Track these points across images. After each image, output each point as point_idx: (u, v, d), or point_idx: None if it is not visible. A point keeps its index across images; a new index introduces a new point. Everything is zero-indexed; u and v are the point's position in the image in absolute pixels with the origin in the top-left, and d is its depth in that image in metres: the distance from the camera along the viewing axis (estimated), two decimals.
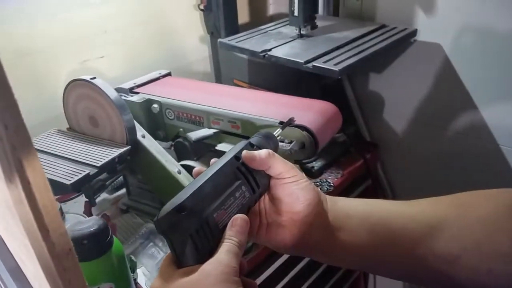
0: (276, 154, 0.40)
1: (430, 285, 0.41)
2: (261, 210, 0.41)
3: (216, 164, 0.38)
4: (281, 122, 0.64)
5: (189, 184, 0.36)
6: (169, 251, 0.35)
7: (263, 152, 0.39)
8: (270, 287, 0.81)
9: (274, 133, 0.44)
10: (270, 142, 0.42)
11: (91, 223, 0.46)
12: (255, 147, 0.40)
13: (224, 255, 0.33)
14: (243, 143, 0.40)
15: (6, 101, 0.22)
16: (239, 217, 0.36)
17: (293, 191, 0.39)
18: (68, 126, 0.75)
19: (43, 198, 0.24)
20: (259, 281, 0.77)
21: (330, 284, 0.98)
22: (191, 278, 0.31)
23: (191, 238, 0.33)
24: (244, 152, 0.39)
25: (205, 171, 0.37)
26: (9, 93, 0.22)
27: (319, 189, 0.41)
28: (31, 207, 0.23)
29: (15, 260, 0.35)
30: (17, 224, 0.24)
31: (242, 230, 0.35)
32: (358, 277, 1.09)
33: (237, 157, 0.38)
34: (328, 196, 0.42)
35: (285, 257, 0.80)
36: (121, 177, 0.80)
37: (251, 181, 0.38)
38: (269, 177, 0.40)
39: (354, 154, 0.94)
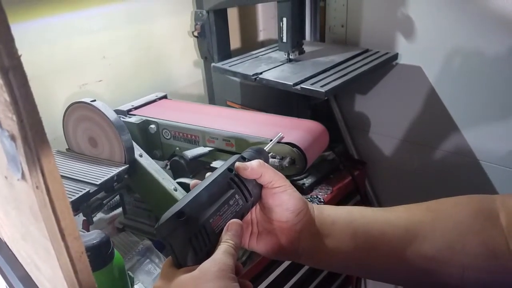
0: (266, 164, 0.42)
1: (411, 285, 0.44)
2: (253, 219, 0.44)
3: (211, 176, 0.41)
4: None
5: (186, 194, 0.39)
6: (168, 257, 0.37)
7: (254, 162, 0.42)
8: None
9: (264, 148, 0.47)
10: (261, 156, 0.45)
11: (93, 236, 0.48)
12: (246, 160, 0.43)
13: (221, 255, 0.35)
14: (235, 157, 0.43)
15: (32, 119, 0.25)
16: (234, 222, 0.38)
17: (283, 201, 0.41)
18: (67, 147, 0.77)
19: (61, 205, 0.28)
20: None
21: None
22: (191, 275, 0.34)
23: (190, 241, 0.35)
24: (237, 163, 0.41)
25: (201, 183, 0.40)
26: (35, 112, 0.25)
27: (306, 199, 0.44)
28: (52, 211, 0.26)
29: (24, 269, 0.37)
30: (40, 227, 0.27)
31: (237, 234, 0.38)
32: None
33: (230, 169, 0.41)
34: (315, 205, 0.45)
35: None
36: (117, 197, 0.82)
37: (243, 190, 0.41)
38: (261, 187, 0.42)
39: (343, 171, 0.97)
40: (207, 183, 0.39)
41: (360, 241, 0.42)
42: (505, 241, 0.40)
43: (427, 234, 0.41)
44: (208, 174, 0.43)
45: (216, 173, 0.41)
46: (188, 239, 0.35)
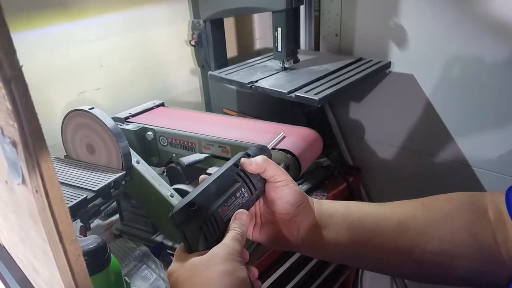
0: (270, 160, 0.45)
1: (404, 275, 0.46)
2: (256, 212, 0.47)
3: (218, 171, 0.44)
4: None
5: (196, 187, 0.42)
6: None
7: (259, 158, 0.45)
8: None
9: (267, 146, 0.50)
10: (264, 153, 0.48)
11: (90, 241, 0.49)
12: (251, 156, 0.46)
13: (230, 241, 0.38)
14: (241, 153, 0.46)
15: (32, 126, 0.27)
16: (241, 212, 0.41)
17: (284, 194, 0.44)
18: (65, 154, 0.79)
19: (59, 208, 0.29)
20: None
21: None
22: (202, 258, 0.37)
23: (201, 229, 0.39)
24: (242, 159, 0.45)
25: (209, 177, 0.43)
26: (35, 119, 0.27)
27: (306, 193, 0.47)
28: (51, 214, 0.27)
29: (22, 272, 0.38)
30: (39, 230, 0.28)
31: (243, 223, 0.41)
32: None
33: (236, 164, 0.44)
34: (314, 199, 0.48)
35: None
36: (114, 204, 0.83)
37: (249, 184, 0.44)
38: (264, 182, 0.45)
39: (338, 177, 0.99)
40: (215, 177, 0.42)
41: (356, 233, 0.45)
42: (492, 233, 0.42)
43: (419, 226, 0.44)
44: (215, 169, 0.45)
45: (223, 168, 0.44)
46: (199, 227, 0.39)
